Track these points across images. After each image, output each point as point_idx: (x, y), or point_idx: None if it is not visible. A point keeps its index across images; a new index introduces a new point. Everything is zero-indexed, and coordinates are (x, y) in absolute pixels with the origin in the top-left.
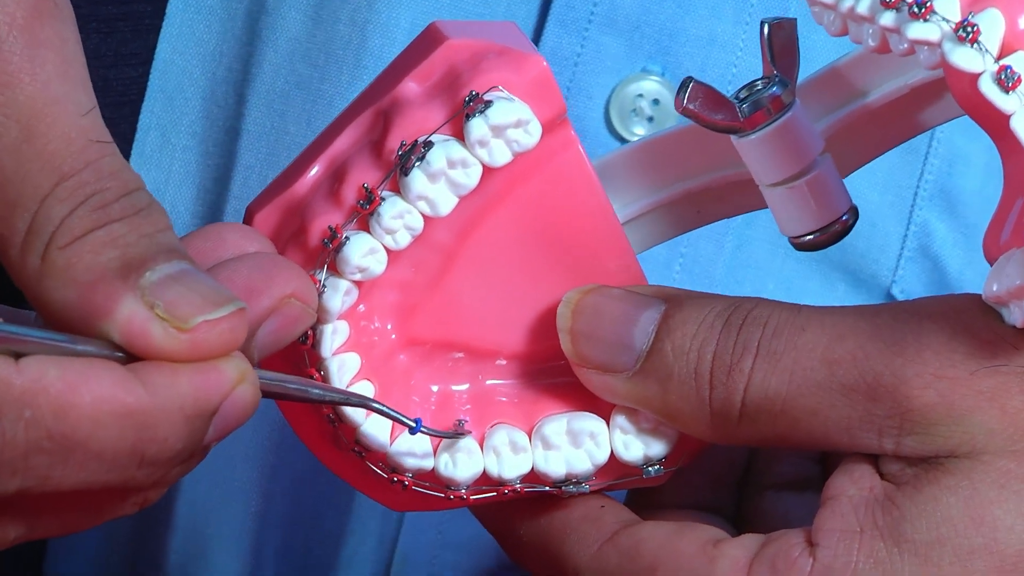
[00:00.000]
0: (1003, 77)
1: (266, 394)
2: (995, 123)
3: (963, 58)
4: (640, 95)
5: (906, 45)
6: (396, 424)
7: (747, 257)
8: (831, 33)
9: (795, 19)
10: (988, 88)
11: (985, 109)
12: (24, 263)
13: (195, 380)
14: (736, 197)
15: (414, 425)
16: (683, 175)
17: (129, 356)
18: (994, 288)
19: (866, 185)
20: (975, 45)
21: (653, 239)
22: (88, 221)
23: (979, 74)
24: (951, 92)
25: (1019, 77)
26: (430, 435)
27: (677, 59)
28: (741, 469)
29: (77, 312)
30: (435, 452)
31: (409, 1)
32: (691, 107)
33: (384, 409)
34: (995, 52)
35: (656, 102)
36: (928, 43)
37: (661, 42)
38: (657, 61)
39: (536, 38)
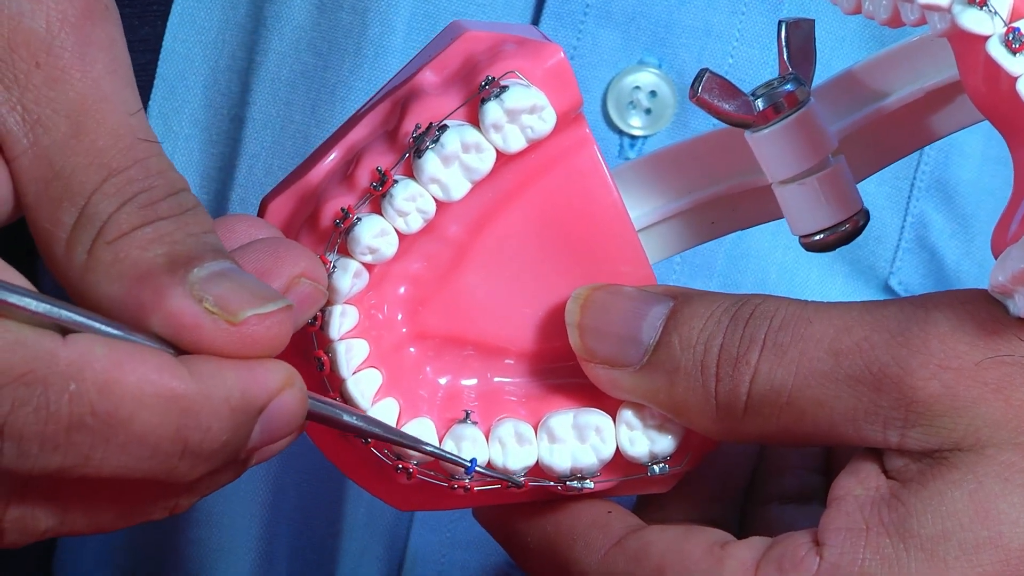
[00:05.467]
0: (1011, 39)
1: (315, 417)
2: (1005, 113)
3: (972, 20)
4: (637, 87)
5: (917, 15)
6: (403, 408)
7: (748, 247)
8: (845, 11)
9: (812, 20)
10: (996, 50)
11: (995, 97)
12: (69, 258)
13: (242, 374)
14: (750, 206)
15: (469, 465)
16: (698, 184)
17: (177, 352)
18: (999, 278)
19: None
20: (984, 8)
21: (668, 249)
22: (136, 217)
23: (987, 37)
24: (962, 79)
25: None
26: (485, 475)
27: (673, 51)
28: (745, 482)
29: (123, 307)
30: (440, 440)
31: None
32: (705, 97)
33: (437, 452)
34: (1005, 16)
35: (653, 94)
36: (938, 8)
37: (657, 34)
38: (654, 53)
39: None
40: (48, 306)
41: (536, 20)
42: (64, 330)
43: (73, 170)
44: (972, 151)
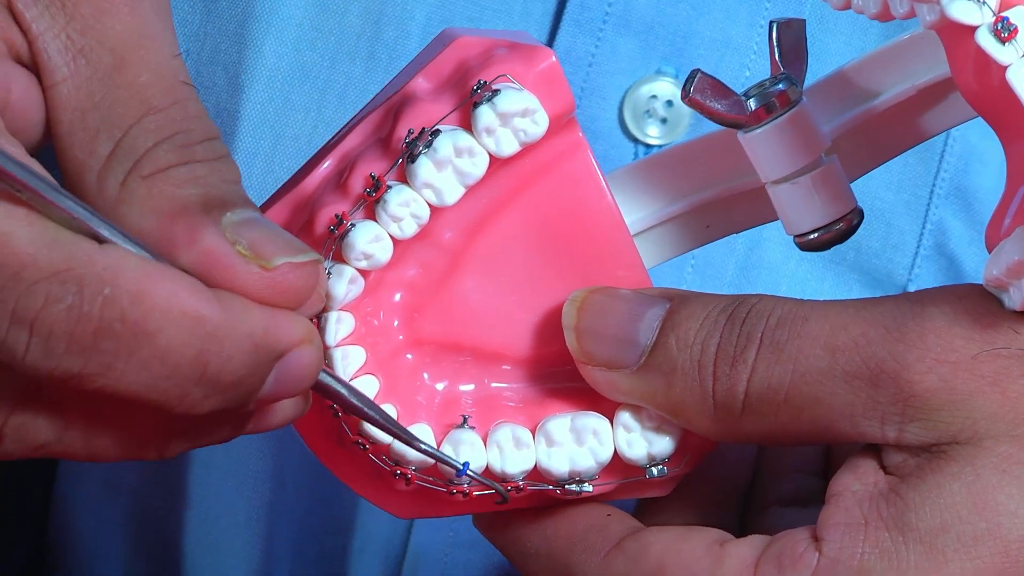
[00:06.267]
0: (999, 27)
1: (322, 390)
2: (997, 105)
3: (961, 10)
4: (654, 96)
5: (906, 7)
6: (401, 414)
7: (759, 259)
8: (834, 6)
9: (803, 20)
10: (985, 40)
11: (986, 89)
12: (102, 188)
13: (268, 315)
14: (744, 208)
15: (460, 468)
16: (692, 188)
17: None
18: (993, 272)
19: (881, 184)
20: None
21: (663, 254)
22: (173, 156)
23: (976, 27)
24: (953, 74)
25: (1015, 28)
26: (475, 479)
27: (691, 61)
28: (744, 487)
29: (154, 240)
30: (438, 445)
31: None
32: (697, 97)
33: (432, 451)
34: (994, 5)
35: (670, 103)
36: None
37: (675, 44)
38: (671, 62)
39: (551, 38)
40: (88, 213)
41: (555, 28)
42: (99, 239)
43: (113, 102)
44: (991, 158)
